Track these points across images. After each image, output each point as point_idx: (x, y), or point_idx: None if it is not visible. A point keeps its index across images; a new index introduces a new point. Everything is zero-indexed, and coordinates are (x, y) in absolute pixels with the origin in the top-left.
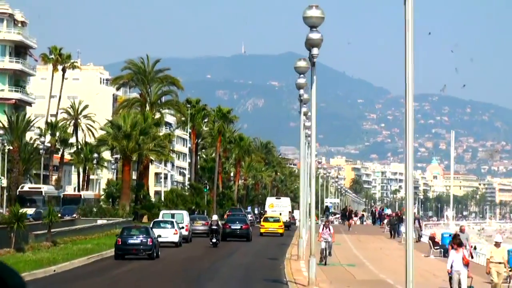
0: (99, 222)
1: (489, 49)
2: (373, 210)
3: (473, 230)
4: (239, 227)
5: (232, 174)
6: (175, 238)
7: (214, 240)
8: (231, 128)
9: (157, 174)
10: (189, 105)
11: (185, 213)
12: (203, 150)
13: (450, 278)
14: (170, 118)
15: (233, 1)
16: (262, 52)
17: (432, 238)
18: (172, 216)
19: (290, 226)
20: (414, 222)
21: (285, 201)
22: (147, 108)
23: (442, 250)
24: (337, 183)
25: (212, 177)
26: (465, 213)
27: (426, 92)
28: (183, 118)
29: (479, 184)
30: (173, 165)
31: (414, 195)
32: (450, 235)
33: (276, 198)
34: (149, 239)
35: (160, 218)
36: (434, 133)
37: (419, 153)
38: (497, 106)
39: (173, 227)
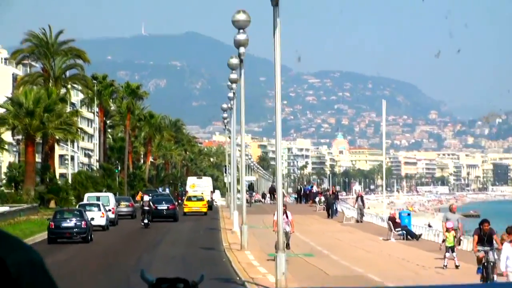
0: (0, 209)
1: (391, 26)
2: (299, 187)
3: (382, 204)
4: (166, 207)
5: (142, 154)
6: (102, 221)
7: (145, 221)
8: (140, 105)
9: (61, 156)
10: (95, 81)
11: (110, 195)
12: (111, 129)
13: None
14: (74, 99)
15: None
16: (162, 32)
17: (392, 219)
18: (98, 198)
19: (212, 206)
20: (357, 200)
21: (207, 181)
22: (51, 84)
23: (405, 232)
24: (249, 160)
25: (121, 157)
26: (372, 187)
27: (327, 69)
28: (90, 95)
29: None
30: (77, 147)
31: (320, 170)
32: (409, 214)
33: (197, 178)
34: (83, 222)
35: (85, 201)
36: (337, 109)
37: (322, 129)
38: (398, 81)
39: (99, 210)
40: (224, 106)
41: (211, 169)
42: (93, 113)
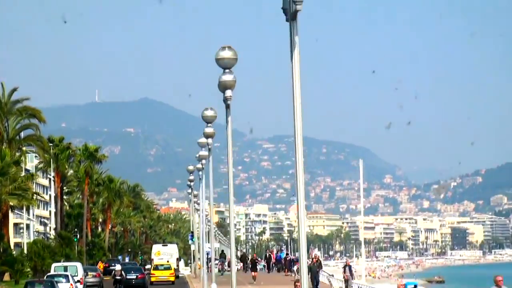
0: None
1: (345, 92)
2: (267, 254)
3: (341, 269)
4: (135, 276)
5: (100, 221)
6: None
7: None
8: (98, 169)
9: (16, 225)
10: (51, 144)
11: (79, 265)
12: (68, 196)
13: None
14: (28, 165)
15: (85, 51)
16: (116, 99)
17: None
18: (65, 269)
19: (178, 275)
20: (344, 269)
21: (172, 248)
22: (5, 145)
23: None
24: (209, 227)
25: (79, 224)
26: (331, 252)
27: (281, 134)
28: (47, 158)
29: (342, 223)
30: (33, 214)
31: (279, 236)
32: (415, 286)
33: (162, 245)
34: None
35: (52, 272)
36: (291, 173)
37: (277, 194)
38: (352, 145)
39: (68, 281)
40: (190, 167)
41: (170, 236)
42: (49, 179)
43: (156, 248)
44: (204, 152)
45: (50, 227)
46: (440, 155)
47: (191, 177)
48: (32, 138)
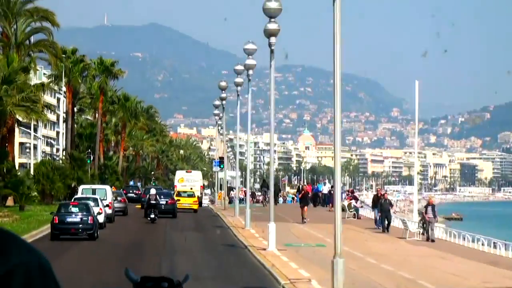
0: None
1: (355, 22)
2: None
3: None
4: (164, 202)
5: (112, 143)
6: (101, 218)
7: (152, 216)
8: (112, 87)
9: (21, 144)
10: (63, 55)
11: (108, 188)
12: (80, 113)
13: None
14: (36, 81)
15: None
16: (125, 23)
17: None
18: (94, 191)
19: (201, 202)
20: (426, 209)
21: (197, 175)
22: (12, 51)
23: None
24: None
25: (91, 146)
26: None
27: (289, 63)
28: (60, 67)
29: (351, 155)
30: (39, 134)
31: (288, 166)
32: None
33: (186, 172)
34: (89, 217)
35: (80, 195)
36: (298, 104)
37: (284, 124)
38: (360, 77)
39: (97, 205)
40: (217, 102)
41: (181, 162)
42: (57, 98)
43: (180, 174)
44: (239, 79)
45: (57, 149)
46: (448, 90)
47: (217, 103)
48: (43, 44)
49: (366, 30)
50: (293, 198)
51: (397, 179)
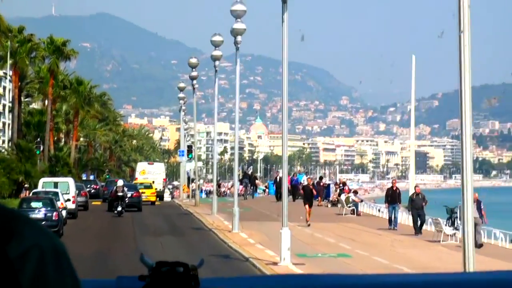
0: None
1: (303, 10)
2: (277, 177)
3: None
4: (130, 195)
5: (62, 132)
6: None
7: (119, 209)
8: (63, 70)
9: None
10: (10, 34)
11: (71, 181)
12: (29, 99)
13: None
14: None
15: None
16: (73, 13)
17: None
18: (55, 185)
19: (163, 196)
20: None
21: (159, 167)
22: None
23: None
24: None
25: (40, 135)
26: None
27: (240, 52)
28: (6, 47)
29: (303, 144)
30: None
31: (241, 155)
32: None
33: (148, 163)
34: (54, 213)
35: (40, 189)
36: (248, 93)
37: (233, 114)
38: (309, 65)
39: (58, 199)
40: (182, 85)
41: (134, 153)
42: (4, 87)
43: (141, 166)
44: (194, 73)
45: (3, 140)
46: (396, 78)
47: (182, 95)
48: None
49: (315, 19)
50: (264, 190)
51: (349, 167)
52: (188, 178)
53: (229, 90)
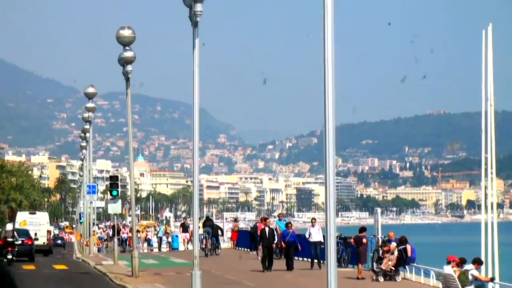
0: None
1: (178, 48)
2: (254, 224)
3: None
4: (20, 242)
5: None
6: None
7: (9, 256)
8: None
9: None
10: None
11: None
12: None
13: None
14: None
15: None
16: None
17: None
18: None
19: (50, 249)
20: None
21: (42, 217)
22: None
23: None
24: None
25: None
26: (178, 213)
27: (115, 91)
28: None
29: (186, 181)
30: None
31: (124, 194)
32: None
33: (30, 213)
34: None
35: None
36: (126, 131)
37: (111, 152)
38: (187, 104)
39: None
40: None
41: (13, 192)
42: None
43: (22, 216)
44: (90, 113)
45: None
46: (273, 116)
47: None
48: None
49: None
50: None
51: (234, 205)
52: (113, 226)
53: (106, 128)
